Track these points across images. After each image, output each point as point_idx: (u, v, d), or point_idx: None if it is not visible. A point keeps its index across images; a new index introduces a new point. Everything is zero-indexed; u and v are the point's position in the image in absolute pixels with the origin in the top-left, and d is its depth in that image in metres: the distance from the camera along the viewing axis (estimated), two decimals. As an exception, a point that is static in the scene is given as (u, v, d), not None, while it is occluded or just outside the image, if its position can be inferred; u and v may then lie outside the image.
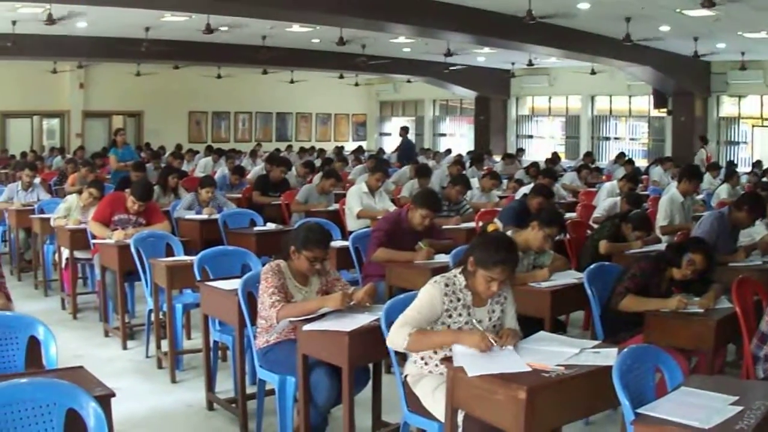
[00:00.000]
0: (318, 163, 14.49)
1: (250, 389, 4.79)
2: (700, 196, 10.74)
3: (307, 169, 11.96)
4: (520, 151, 22.49)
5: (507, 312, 3.71)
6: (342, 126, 29.77)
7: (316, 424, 4.14)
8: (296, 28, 16.28)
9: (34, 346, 3.42)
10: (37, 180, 9.97)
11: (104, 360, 5.96)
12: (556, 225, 5.28)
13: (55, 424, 2.59)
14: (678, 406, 2.85)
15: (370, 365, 4.29)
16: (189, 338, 6.31)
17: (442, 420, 3.39)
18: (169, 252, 6.21)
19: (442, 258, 5.73)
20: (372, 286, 4.21)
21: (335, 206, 9.14)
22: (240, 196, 10.40)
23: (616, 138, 23.25)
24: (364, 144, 26.83)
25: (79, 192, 7.99)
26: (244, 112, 27.04)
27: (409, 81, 26.63)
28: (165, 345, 5.72)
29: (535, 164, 13.77)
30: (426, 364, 3.65)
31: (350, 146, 25.03)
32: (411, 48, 19.75)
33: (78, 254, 7.26)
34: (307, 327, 3.92)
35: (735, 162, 17.39)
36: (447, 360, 3.35)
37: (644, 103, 22.07)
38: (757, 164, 16.49)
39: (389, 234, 5.89)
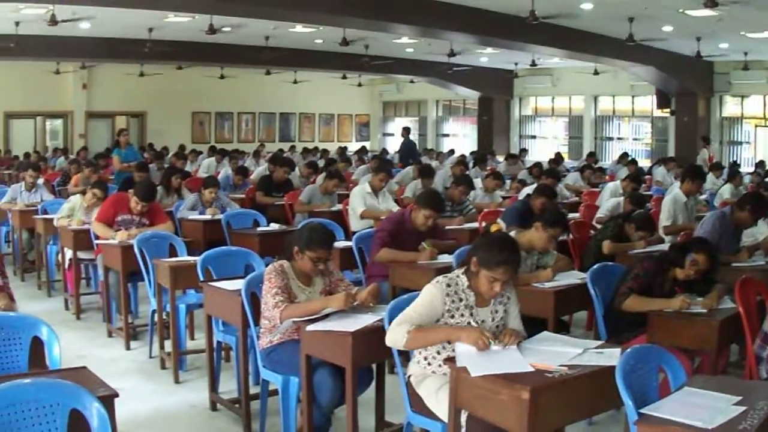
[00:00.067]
0: (321, 163, 14.51)
1: (254, 390, 4.78)
2: (703, 196, 10.71)
3: (311, 170, 11.97)
4: (523, 151, 22.52)
5: (510, 312, 3.71)
6: (345, 126, 29.79)
7: (320, 425, 4.14)
8: (299, 28, 16.29)
9: (37, 346, 3.43)
10: (41, 181, 9.98)
11: (107, 360, 5.97)
12: (560, 225, 5.27)
13: (58, 425, 2.59)
14: (681, 407, 2.85)
15: (374, 365, 4.29)
16: (192, 339, 6.33)
17: (446, 420, 3.39)
18: (173, 252, 6.21)
19: (445, 258, 5.72)
20: (375, 286, 4.21)
21: (338, 207, 9.14)
22: (243, 196, 10.41)
23: (619, 138, 23.24)
24: (367, 144, 26.86)
25: (83, 192, 7.99)
26: (248, 112, 27.08)
27: (412, 81, 26.64)
28: (168, 345, 5.73)
29: (538, 164, 13.77)
30: (429, 364, 3.65)
31: (353, 146, 25.02)
32: (414, 48, 19.75)
33: (81, 255, 7.26)
34: (310, 327, 3.92)
35: (738, 162, 17.37)
36: (450, 360, 3.35)
37: (647, 103, 22.07)
38: (760, 164, 16.46)
39: (392, 234, 5.89)
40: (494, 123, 25.17)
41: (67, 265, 7.53)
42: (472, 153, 20.25)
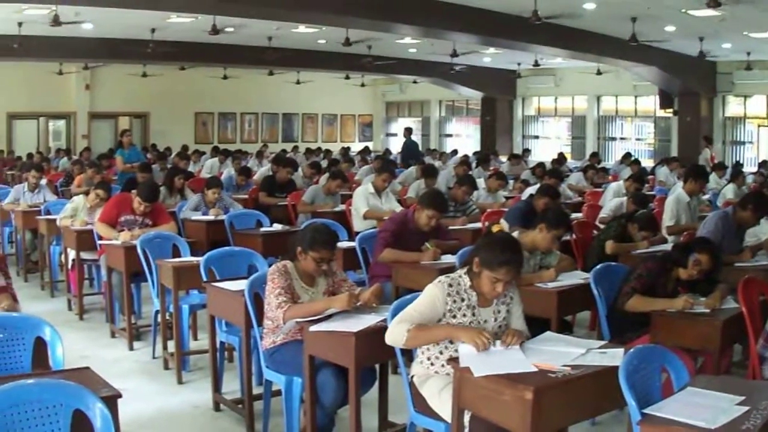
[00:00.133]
0: (324, 163, 14.50)
1: (257, 390, 4.78)
2: (706, 196, 10.71)
3: (314, 170, 11.97)
4: (527, 151, 22.53)
5: (513, 312, 3.71)
6: (348, 127, 29.79)
7: (323, 425, 4.14)
8: (302, 28, 16.29)
9: (40, 347, 3.43)
10: (44, 181, 10.00)
11: (111, 361, 5.97)
12: (563, 226, 5.27)
13: (61, 425, 2.60)
14: (684, 407, 2.85)
15: (377, 366, 4.28)
16: (195, 339, 6.32)
17: (449, 420, 3.39)
18: (176, 253, 6.22)
19: (448, 258, 5.73)
20: (378, 286, 4.21)
21: (342, 207, 9.15)
22: (246, 197, 10.42)
23: (622, 138, 23.22)
24: (370, 145, 26.83)
25: (86, 193, 8.00)
26: (251, 113, 27.09)
27: (415, 81, 26.64)
28: (171, 346, 5.72)
29: (541, 165, 13.78)
30: (432, 364, 3.65)
31: (356, 147, 25.05)
32: (417, 49, 19.75)
33: (84, 255, 7.27)
34: (313, 328, 3.92)
35: (741, 162, 17.35)
36: (453, 360, 3.35)
37: (650, 103, 22.05)
38: (763, 164, 16.43)
39: (396, 235, 5.90)
40: (497, 123, 25.16)
41: (70, 266, 7.54)
42: (475, 153, 20.26)
